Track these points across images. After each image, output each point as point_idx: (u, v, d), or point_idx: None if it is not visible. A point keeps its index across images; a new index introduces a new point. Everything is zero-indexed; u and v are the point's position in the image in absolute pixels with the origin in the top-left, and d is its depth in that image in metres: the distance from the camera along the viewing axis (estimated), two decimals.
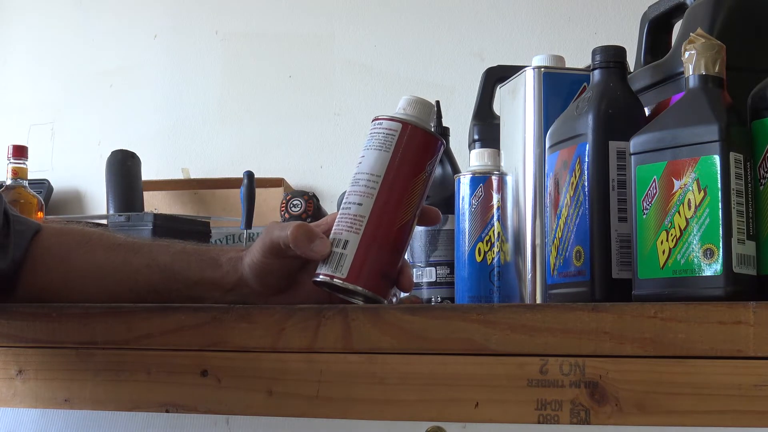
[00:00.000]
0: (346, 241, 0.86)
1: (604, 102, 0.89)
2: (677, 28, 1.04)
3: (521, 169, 1.02)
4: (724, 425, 0.71)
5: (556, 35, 2.04)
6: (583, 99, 0.92)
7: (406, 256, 0.90)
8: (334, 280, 0.85)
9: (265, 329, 0.83)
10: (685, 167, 0.79)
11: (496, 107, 1.33)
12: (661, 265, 0.80)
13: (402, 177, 0.87)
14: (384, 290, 0.87)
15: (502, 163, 1.09)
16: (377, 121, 0.89)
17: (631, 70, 1.09)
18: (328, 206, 1.87)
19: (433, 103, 0.91)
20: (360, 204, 0.87)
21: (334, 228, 0.88)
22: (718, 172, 0.77)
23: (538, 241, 0.99)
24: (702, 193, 0.78)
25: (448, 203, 1.20)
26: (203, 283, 0.92)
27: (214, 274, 0.92)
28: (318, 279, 0.86)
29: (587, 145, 0.88)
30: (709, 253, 0.77)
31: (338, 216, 0.88)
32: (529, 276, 1.00)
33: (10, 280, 0.96)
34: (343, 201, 0.89)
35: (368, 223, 0.86)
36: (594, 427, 0.74)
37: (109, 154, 1.96)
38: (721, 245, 0.77)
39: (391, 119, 0.89)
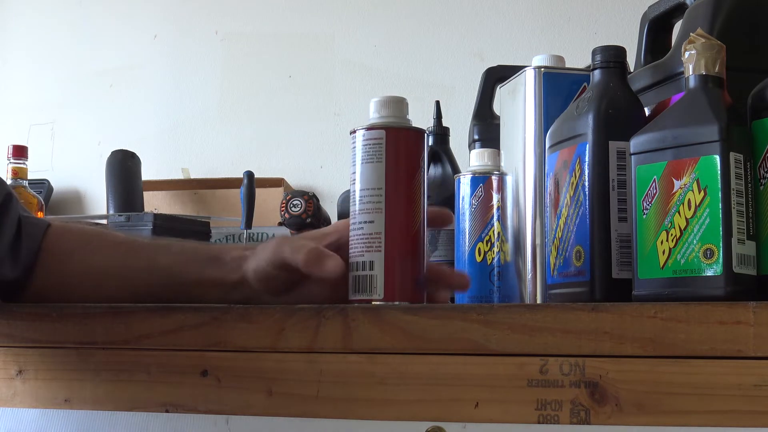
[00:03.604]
0: (372, 262, 0.86)
1: (604, 102, 0.89)
2: (677, 28, 1.04)
3: (521, 169, 1.02)
4: (724, 425, 0.71)
5: (556, 35, 2.04)
6: (583, 99, 0.92)
7: None
8: (373, 302, 0.86)
9: (265, 329, 0.83)
10: (685, 167, 0.79)
11: (496, 107, 1.33)
12: (661, 265, 0.80)
13: (402, 182, 0.87)
14: (419, 294, 0.87)
15: (502, 163, 1.09)
16: (357, 134, 0.89)
17: (631, 70, 1.09)
18: (328, 206, 1.87)
19: (403, 96, 0.91)
20: (372, 221, 0.87)
21: (350, 251, 0.87)
22: (718, 172, 0.77)
23: (538, 241, 0.99)
24: (702, 193, 0.78)
25: (448, 203, 1.20)
26: (203, 282, 0.92)
27: (216, 273, 0.91)
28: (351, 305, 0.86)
29: (587, 145, 0.88)
30: (709, 253, 0.77)
31: (351, 238, 0.88)
32: (529, 276, 1.00)
33: (21, 285, 0.96)
34: (351, 222, 0.88)
35: (386, 238, 0.86)
36: (594, 427, 0.74)
37: (109, 154, 1.96)
38: (721, 245, 0.77)
39: (371, 128, 0.88)
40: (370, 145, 0.88)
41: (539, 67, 1.01)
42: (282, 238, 0.91)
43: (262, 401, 0.83)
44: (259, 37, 2.26)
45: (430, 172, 1.42)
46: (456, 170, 1.39)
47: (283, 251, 0.87)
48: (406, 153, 0.88)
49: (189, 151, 2.26)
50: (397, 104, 0.89)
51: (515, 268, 1.03)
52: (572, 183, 0.90)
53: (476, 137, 1.44)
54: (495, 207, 1.10)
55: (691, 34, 0.84)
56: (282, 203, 1.70)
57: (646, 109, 0.94)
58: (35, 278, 0.96)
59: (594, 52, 0.92)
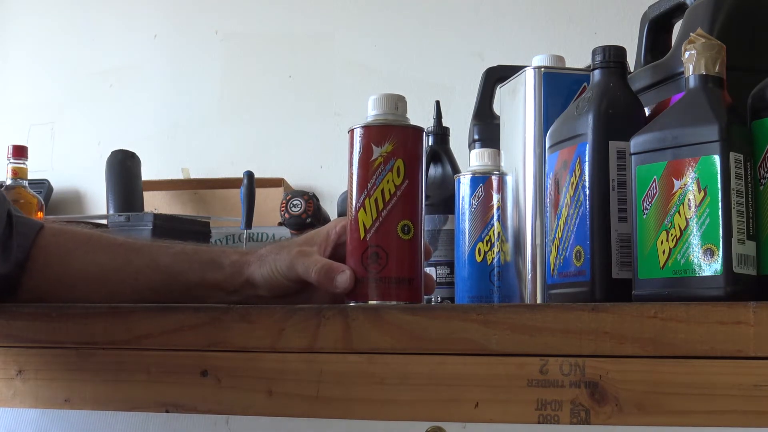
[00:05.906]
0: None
1: (604, 102, 0.89)
2: (677, 28, 1.04)
3: (521, 169, 1.02)
4: (724, 425, 0.71)
5: (556, 35, 2.04)
6: (583, 99, 0.92)
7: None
8: (359, 301, 0.86)
9: (265, 329, 0.83)
10: (685, 167, 0.79)
11: (496, 107, 1.33)
12: (661, 265, 0.80)
13: (356, 178, 0.87)
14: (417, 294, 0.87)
15: (502, 163, 1.09)
16: (355, 132, 0.89)
17: (631, 70, 1.09)
18: (328, 206, 1.87)
19: (401, 94, 0.90)
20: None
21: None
22: (718, 172, 0.77)
23: (538, 241, 0.99)
24: (702, 193, 0.78)
25: (448, 203, 1.20)
26: (204, 284, 0.92)
27: (216, 276, 0.92)
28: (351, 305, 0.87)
29: (587, 145, 0.88)
30: (709, 253, 0.77)
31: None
32: (529, 276, 1.00)
33: (13, 282, 0.96)
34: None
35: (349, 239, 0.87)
36: (594, 427, 0.74)
37: (109, 154, 1.96)
38: (721, 245, 0.77)
39: (368, 127, 0.88)
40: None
41: (539, 67, 1.01)
42: (290, 246, 0.91)
43: (262, 401, 0.83)
44: (259, 37, 2.26)
45: (430, 172, 1.42)
46: (456, 170, 1.39)
47: (296, 267, 0.89)
48: (352, 149, 0.88)
49: (189, 151, 2.26)
50: (395, 102, 0.89)
51: (515, 268, 1.03)
52: (572, 183, 0.90)
53: (476, 137, 1.44)
54: (495, 207, 1.10)
55: (691, 34, 0.84)
56: (282, 203, 1.70)
57: (646, 109, 0.94)
58: (30, 277, 0.96)
59: (594, 52, 0.92)
